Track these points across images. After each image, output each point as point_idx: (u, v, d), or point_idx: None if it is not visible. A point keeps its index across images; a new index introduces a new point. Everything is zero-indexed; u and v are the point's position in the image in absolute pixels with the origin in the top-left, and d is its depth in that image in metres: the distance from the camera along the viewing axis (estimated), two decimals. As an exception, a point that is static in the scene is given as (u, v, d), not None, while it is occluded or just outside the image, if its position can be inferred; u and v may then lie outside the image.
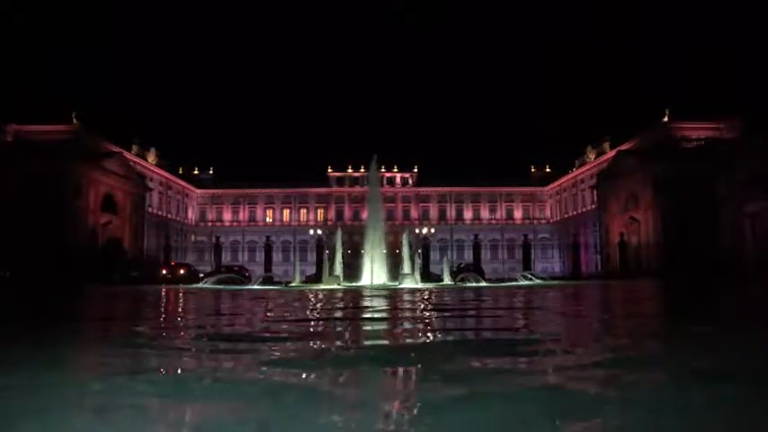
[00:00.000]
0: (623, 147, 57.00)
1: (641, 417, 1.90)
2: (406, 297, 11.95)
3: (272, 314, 7.46)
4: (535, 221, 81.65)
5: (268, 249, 44.42)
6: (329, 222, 77.07)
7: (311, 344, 4.21)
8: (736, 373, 2.68)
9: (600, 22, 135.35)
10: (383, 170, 79.24)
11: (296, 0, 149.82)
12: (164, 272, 43.76)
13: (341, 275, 28.94)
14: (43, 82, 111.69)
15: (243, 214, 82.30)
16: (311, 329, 5.43)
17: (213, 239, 49.09)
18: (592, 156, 69.58)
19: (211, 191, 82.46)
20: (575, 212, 72.73)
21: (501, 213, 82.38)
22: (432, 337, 4.50)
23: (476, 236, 49.92)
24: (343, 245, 32.58)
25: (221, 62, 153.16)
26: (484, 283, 27.31)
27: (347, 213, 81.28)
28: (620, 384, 2.49)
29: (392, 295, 13.14)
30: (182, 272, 43.64)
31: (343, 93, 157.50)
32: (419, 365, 3.01)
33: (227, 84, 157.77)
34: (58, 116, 50.02)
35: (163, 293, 16.29)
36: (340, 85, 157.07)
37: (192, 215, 79.83)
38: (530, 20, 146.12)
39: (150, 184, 63.52)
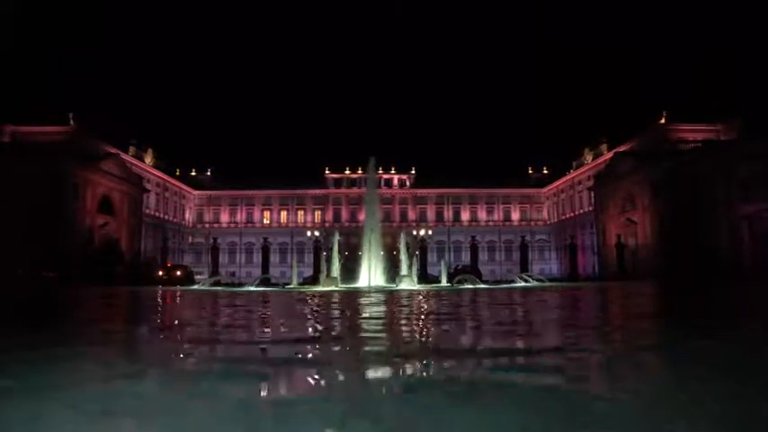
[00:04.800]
0: (621, 148, 57.11)
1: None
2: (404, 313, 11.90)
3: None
4: (533, 223, 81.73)
5: (265, 251, 44.25)
6: (326, 224, 77.01)
7: None
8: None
9: (598, 23, 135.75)
10: (380, 171, 79.38)
11: (294, 1, 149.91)
12: (160, 273, 43.65)
13: (338, 277, 28.91)
14: (41, 82, 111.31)
15: (240, 216, 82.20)
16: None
17: (210, 241, 48.93)
18: (589, 157, 69.71)
19: (208, 192, 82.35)
20: (572, 214, 72.81)
21: (498, 215, 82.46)
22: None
23: (473, 237, 49.83)
24: (340, 246, 32.53)
25: (219, 63, 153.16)
26: (481, 285, 27.31)
27: (344, 215, 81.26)
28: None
29: (389, 300, 13.09)
30: (178, 273, 43.56)
31: (340, 94, 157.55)
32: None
33: (225, 85, 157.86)
34: (55, 117, 49.90)
35: (146, 297, 16.23)
36: (337, 86, 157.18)
37: (189, 216, 79.68)
38: (528, 20, 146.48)
39: (147, 186, 63.36)
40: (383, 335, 5.00)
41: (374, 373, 2.96)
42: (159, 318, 7.57)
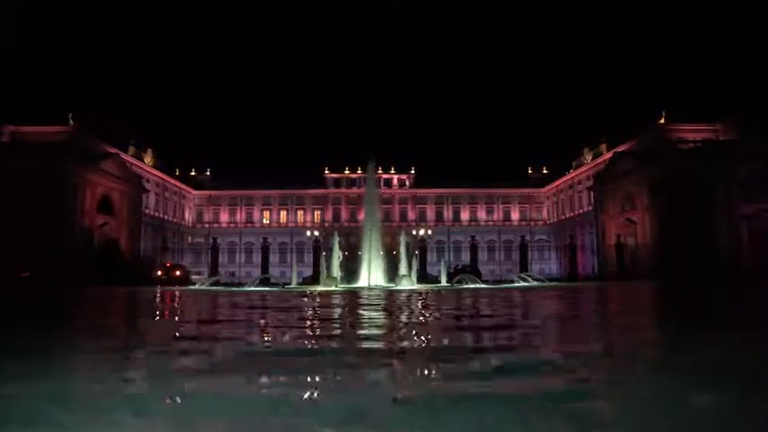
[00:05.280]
0: (620, 148, 57.07)
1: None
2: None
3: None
4: (532, 223, 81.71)
5: (265, 251, 44.26)
6: (326, 224, 76.98)
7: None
8: None
9: (598, 23, 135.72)
10: (380, 171, 79.35)
11: (293, 1, 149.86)
12: (159, 273, 43.71)
13: (338, 277, 28.96)
14: (41, 82, 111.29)
15: (240, 216, 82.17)
16: None
17: (210, 241, 48.93)
18: (589, 157, 69.69)
19: (208, 192, 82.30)
20: (572, 214, 72.80)
21: (498, 215, 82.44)
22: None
23: (473, 237, 49.86)
24: (340, 246, 32.57)
25: (219, 63, 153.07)
26: (481, 285, 27.34)
27: (344, 215, 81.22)
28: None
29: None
30: (178, 273, 43.65)
31: (339, 93, 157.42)
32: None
33: (225, 85, 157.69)
34: (54, 117, 49.86)
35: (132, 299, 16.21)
36: (337, 85, 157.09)
37: (188, 216, 79.63)
38: (528, 20, 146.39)
39: (147, 186, 63.31)
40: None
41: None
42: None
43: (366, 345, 4.34)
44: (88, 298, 14.87)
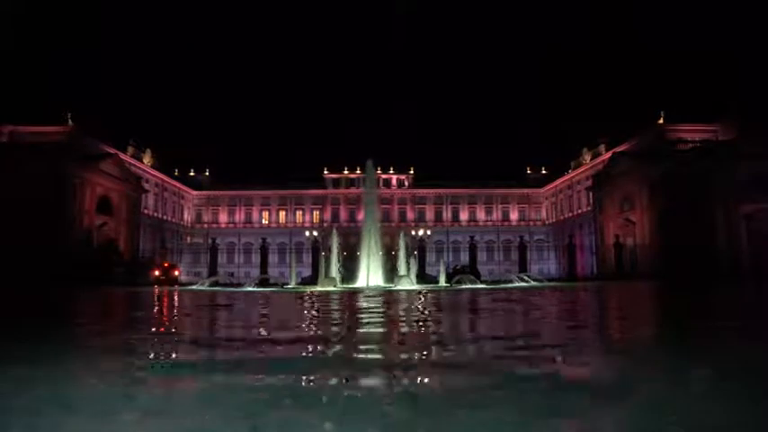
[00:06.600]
0: (619, 148, 57.08)
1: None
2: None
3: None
4: (531, 223, 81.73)
5: (264, 251, 44.24)
6: (325, 224, 76.90)
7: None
8: None
9: (597, 23, 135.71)
10: (379, 171, 79.28)
11: (292, 1, 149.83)
12: (157, 273, 43.72)
13: (337, 277, 28.93)
14: (40, 82, 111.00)
15: (239, 216, 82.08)
16: None
17: (209, 241, 48.88)
18: (588, 157, 69.72)
19: (207, 192, 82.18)
20: (570, 214, 72.82)
21: (497, 215, 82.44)
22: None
23: (472, 237, 49.87)
24: (339, 246, 32.53)
25: (219, 64, 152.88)
26: (480, 285, 27.33)
27: (343, 215, 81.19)
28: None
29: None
30: (176, 273, 43.69)
31: (339, 94, 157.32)
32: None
33: (224, 85, 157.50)
34: (53, 117, 49.77)
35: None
36: (336, 86, 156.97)
37: (187, 217, 79.55)
38: (527, 20, 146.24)
39: (146, 186, 63.20)
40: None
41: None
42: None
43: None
44: (75, 306, 14.82)
